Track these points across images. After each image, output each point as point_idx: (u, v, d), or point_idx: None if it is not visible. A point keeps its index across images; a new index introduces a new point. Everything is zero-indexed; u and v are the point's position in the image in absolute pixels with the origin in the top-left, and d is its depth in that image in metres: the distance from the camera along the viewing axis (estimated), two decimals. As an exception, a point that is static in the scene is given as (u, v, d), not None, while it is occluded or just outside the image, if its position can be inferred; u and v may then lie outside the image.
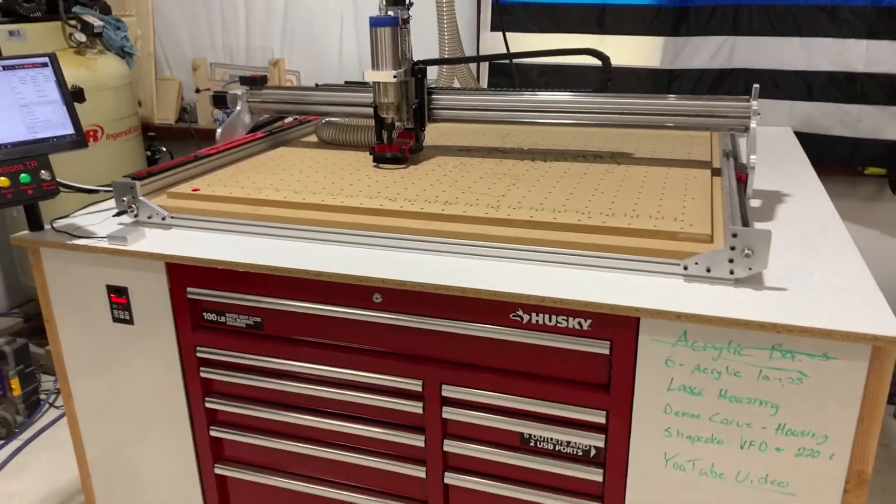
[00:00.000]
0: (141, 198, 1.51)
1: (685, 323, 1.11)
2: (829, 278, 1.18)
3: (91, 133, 2.61)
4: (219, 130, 1.88)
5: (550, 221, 1.32)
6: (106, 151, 2.71)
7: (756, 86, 1.54)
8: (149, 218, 1.52)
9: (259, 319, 1.43)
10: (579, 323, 1.20)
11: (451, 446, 1.36)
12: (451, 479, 1.38)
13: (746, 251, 1.15)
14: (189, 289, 1.43)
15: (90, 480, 1.72)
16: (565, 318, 1.20)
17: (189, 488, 1.60)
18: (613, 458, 1.25)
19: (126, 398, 1.58)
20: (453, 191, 1.51)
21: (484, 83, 2.80)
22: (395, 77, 1.66)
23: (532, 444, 1.32)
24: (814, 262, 1.24)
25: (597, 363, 1.21)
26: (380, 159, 1.74)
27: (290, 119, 2.16)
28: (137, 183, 1.52)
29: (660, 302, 1.12)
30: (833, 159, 2.40)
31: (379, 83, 1.68)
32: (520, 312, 1.22)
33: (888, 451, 2.19)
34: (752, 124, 1.51)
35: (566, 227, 1.31)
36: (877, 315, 1.05)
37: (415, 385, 1.34)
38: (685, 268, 1.19)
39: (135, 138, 2.85)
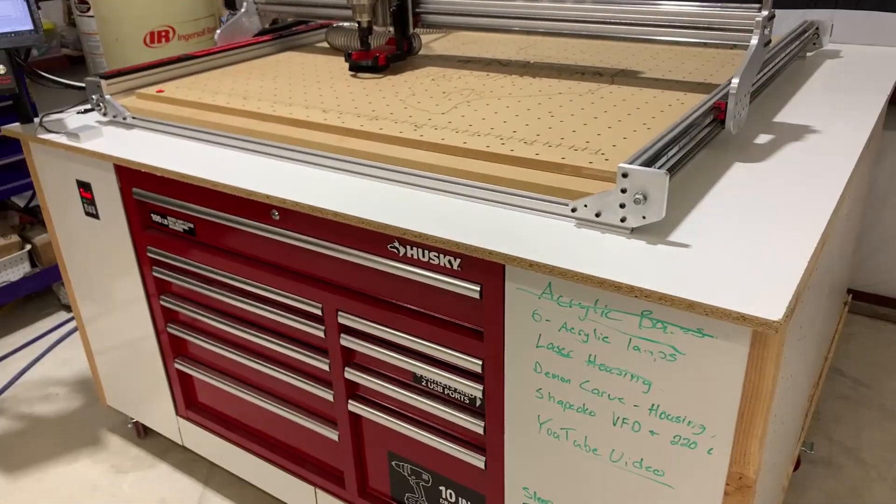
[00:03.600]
0: (107, 97, 1.55)
1: (550, 275, 0.94)
2: (752, 247, 0.94)
3: (162, 34, 2.72)
4: (217, 31, 1.86)
5: (457, 146, 1.17)
6: (179, 52, 2.81)
7: (769, -9, 1.24)
8: (114, 117, 1.56)
9: (192, 226, 1.43)
10: (450, 262, 1.07)
11: (352, 375, 1.31)
12: (354, 407, 1.34)
13: (637, 196, 0.94)
14: (134, 189, 1.47)
15: (94, 358, 1.88)
16: (437, 255, 1.08)
17: (159, 380, 1.71)
18: (492, 412, 1.13)
19: (105, 292, 1.69)
20: (400, 107, 1.38)
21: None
22: (365, -24, 1.53)
23: (424, 384, 1.23)
24: (754, 226, 1.00)
25: (471, 307, 1.09)
26: (355, 67, 1.63)
27: (314, 23, 2.10)
28: (104, 82, 1.55)
29: (527, 247, 0.96)
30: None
31: (350, -18, 1.56)
32: (396, 244, 1.11)
33: None
34: (754, 40, 1.22)
35: (471, 153, 1.15)
36: (768, 296, 0.82)
37: (315, 308, 1.29)
38: (573, 210, 1.01)
39: (208, 40, 2.92)
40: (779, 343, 0.83)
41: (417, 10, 1.62)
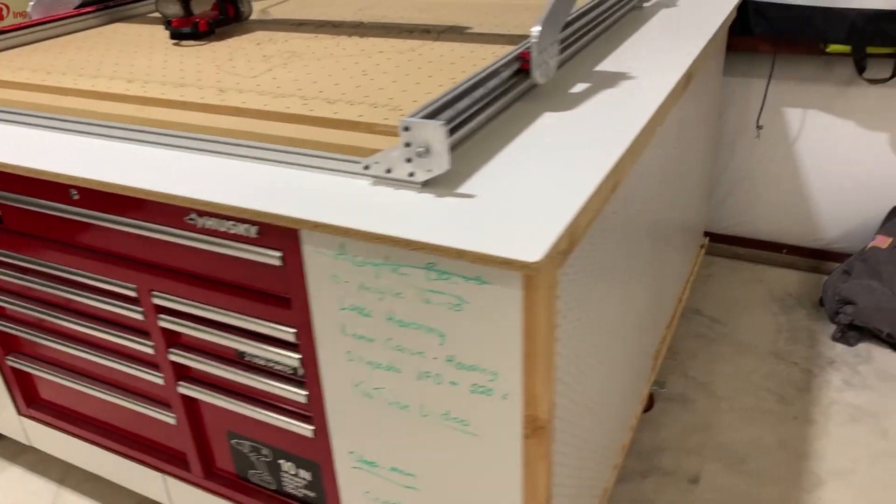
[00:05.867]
0: None
1: (343, 236, 0.92)
2: (536, 193, 0.94)
3: (-6, 11, 2.52)
4: (31, 3, 1.73)
5: (258, 109, 1.13)
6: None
7: (569, -62, 1.24)
8: None
9: (-3, 213, 1.34)
10: (247, 229, 1.03)
11: (177, 356, 1.27)
12: (185, 388, 1.29)
13: (420, 149, 0.93)
14: (-69, 178, 1.36)
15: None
16: (234, 223, 1.04)
17: (-9, 378, 1.61)
18: (311, 380, 1.11)
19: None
20: (212, 73, 1.33)
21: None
22: (174, -63, 1.45)
23: (247, 359, 1.20)
24: (545, 172, 1.00)
25: (276, 275, 1.06)
26: (176, 35, 1.56)
27: (147, -8, 1.99)
28: None
29: (318, 209, 0.93)
30: (793, 35, 2.00)
31: (158, -55, 1.48)
32: (193, 216, 1.07)
33: (807, 376, 1.95)
34: (553, -12, 1.23)
35: (271, 115, 1.12)
36: (532, 240, 0.83)
37: (130, 290, 1.23)
38: (366, 167, 0.99)
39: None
40: (547, 285, 0.84)
41: (237, -28, 1.56)
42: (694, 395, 1.91)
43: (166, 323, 1.23)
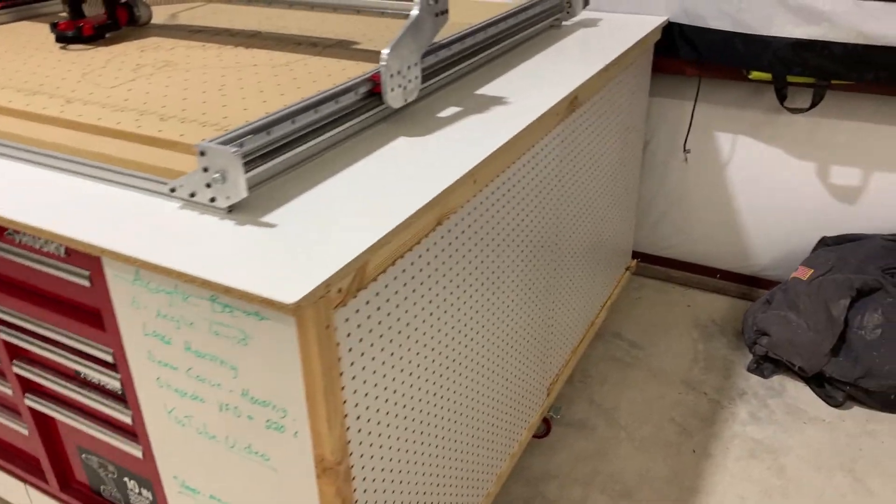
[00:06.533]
0: None
1: (132, 265, 0.90)
2: (339, 228, 0.92)
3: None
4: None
5: (91, 124, 1.10)
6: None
7: (432, -41, 1.21)
8: None
9: None
10: (57, 248, 1.01)
11: (20, 369, 1.24)
12: (32, 402, 1.27)
13: (216, 174, 0.91)
14: None
15: None
16: (45, 241, 1.02)
17: None
18: (132, 402, 1.09)
19: None
20: (75, 81, 1.30)
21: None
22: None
23: (83, 376, 1.18)
24: (362, 205, 0.98)
25: (88, 295, 1.03)
26: (61, 39, 1.53)
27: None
28: None
29: (116, 234, 0.91)
30: (717, 60, 1.96)
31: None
32: (11, 230, 1.05)
33: (714, 407, 1.92)
34: (414, 12, 1.20)
35: (101, 130, 1.09)
36: (303, 279, 0.80)
37: (-29, 299, 1.21)
38: (172, 190, 0.97)
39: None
40: (321, 324, 0.81)
41: (128, -23, 1.53)
42: (595, 421, 1.88)
43: (5, 335, 1.21)
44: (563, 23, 1.89)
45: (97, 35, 1.53)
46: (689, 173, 2.29)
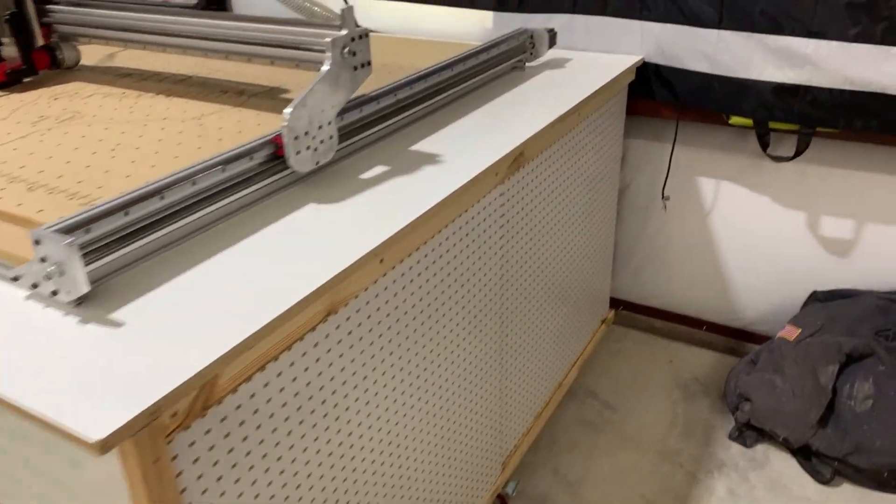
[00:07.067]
0: None
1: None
2: (194, 329, 0.79)
3: None
4: None
5: (-48, 192, 0.99)
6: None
7: (349, 5, 1.09)
8: None
9: None
10: None
11: None
12: None
13: (51, 267, 0.78)
14: None
15: None
16: None
17: None
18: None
19: None
20: (-33, 135, 1.19)
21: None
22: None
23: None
24: (230, 292, 0.85)
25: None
26: (-28, 85, 1.43)
27: None
28: None
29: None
30: (694, 103, 1.82)
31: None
32: None
33: (690, 480, 1.76)
34: (325, 66, 1.07)
35: (-40, 201, 0.97)
36: (126, 405, 0.67)
37: None
38: (15, 278, 0.84)
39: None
40: (144, 460, 0.68)
41: (46, 19, 1.43)
42: (557, 496, 1.73)
43: None
44: (528, 64, 1.76)
45: (11, 80, 1.42)
46: (670, 219, 2.15)
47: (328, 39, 1.06)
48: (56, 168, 1.05)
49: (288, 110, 1.01)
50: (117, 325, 0.78)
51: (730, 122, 1.80)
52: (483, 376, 1.39)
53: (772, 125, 1.76)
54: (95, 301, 0.82)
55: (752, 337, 2.19)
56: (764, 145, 1.80)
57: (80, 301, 0.82)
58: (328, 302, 0.88)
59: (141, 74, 1.54)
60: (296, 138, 1.03)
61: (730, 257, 2.12)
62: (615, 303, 2.33)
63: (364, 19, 2.24)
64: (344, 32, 1.08)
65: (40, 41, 1.44)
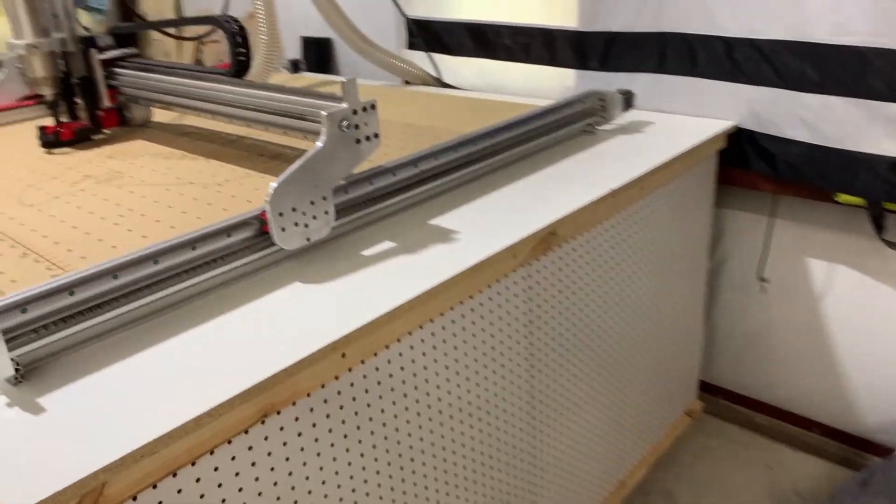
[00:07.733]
0: None
1: None
2: (122, 419, 0.74)
3: None
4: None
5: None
6: None
7: (351, 78, 1.02)
8: None
9: None
10: None
11: None
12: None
13: (-19, 349, 0.76)
14: None
15: None
16: None
17: None
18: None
19: None
20: (10, 193, 1.25)
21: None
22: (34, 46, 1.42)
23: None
24: (171, 380, 0.80)
25: None
26: (44, 143, 1.52)
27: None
28: None
29: None
30: (793, 177, 1.59)
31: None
32: None
33: None
34: (319, 142, 1.01)
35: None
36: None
37: None
38: (-37, 360, 0.84)
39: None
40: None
41: (113, 82, 1.50)
42: None
43: None
44: (600, 127, 1.62)
45: (78, 138, 1.50)
46: (774, 302, 1.88)
47: (324, 113, 1.00)
48: (59, 233, 1.06)
49: (273, 185, 0.96)
50: (41, 410, 0.75)
51: (836, 199, 1.55)
52: (500, 481, 1.25)
53: (887, 205, 1.49)
54: (38, 378, 0.80)
55: (872, 447, 1.85)
56: (879, 228, 1.53)
57: (18, 381, 0.79)
58: (265, 402, 0.80)
59: (199, 134, 1.57)
60: (280, 214, 0.97)
61: (847, 353, 1.81)
62: (713, 390, 2.07)
63: (452, 77, 2.20)
64: (344, 106, 1.02)
65: (107, 102, 1.51)
